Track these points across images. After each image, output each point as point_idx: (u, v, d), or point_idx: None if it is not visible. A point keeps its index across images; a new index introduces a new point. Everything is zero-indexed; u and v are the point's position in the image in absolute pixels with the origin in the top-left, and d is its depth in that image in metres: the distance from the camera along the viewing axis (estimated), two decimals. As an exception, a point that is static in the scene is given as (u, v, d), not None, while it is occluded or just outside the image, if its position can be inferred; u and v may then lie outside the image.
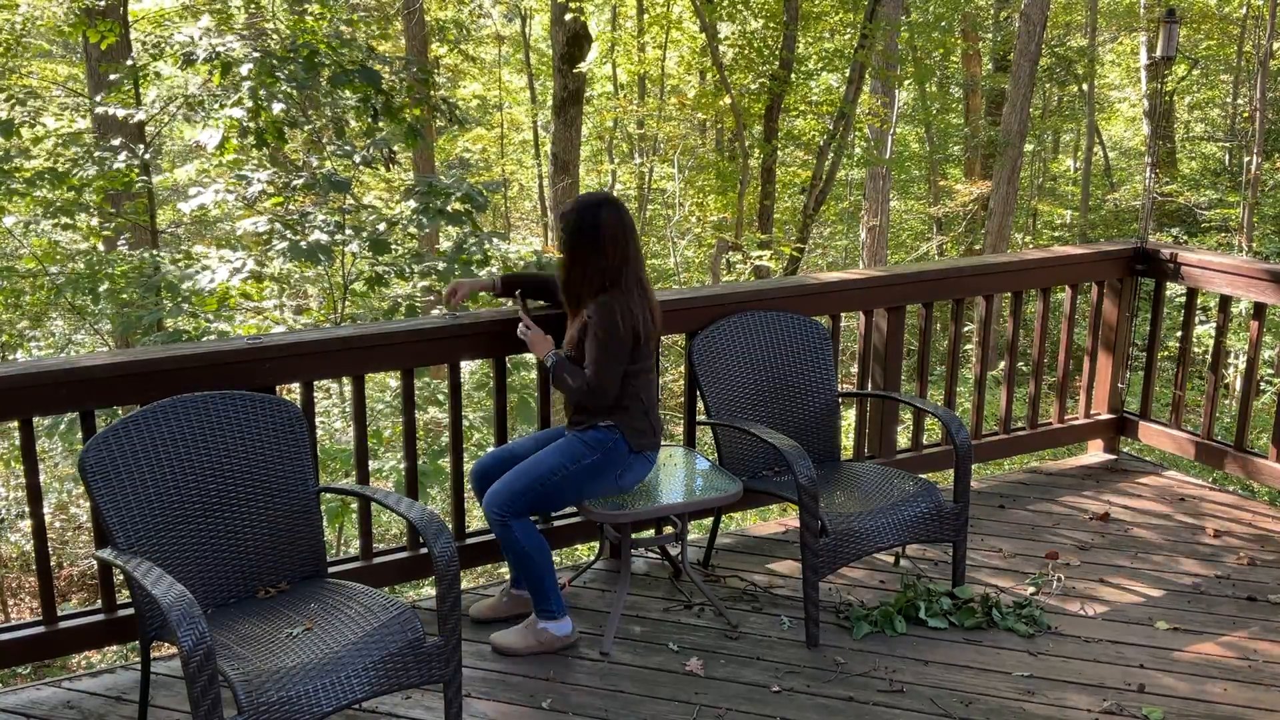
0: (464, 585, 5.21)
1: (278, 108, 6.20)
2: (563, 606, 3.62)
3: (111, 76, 7.63)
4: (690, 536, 4.34)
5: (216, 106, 6.45)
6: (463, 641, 3.62)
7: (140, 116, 7.53)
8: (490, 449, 3.95)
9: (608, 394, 3.52)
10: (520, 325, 3.72)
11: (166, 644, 3.06)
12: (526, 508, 3.53)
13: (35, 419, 3.43)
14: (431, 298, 7.10)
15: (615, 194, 16.70)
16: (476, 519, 7.57)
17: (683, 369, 6.44)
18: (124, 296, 6.91)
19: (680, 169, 15.74)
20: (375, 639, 2.86)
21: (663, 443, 4.26)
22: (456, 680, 3.00)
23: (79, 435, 3.53)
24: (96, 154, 7.10)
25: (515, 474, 3.54)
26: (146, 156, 7.26)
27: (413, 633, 2.90)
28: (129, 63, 7.63)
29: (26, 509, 5.69)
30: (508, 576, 4.00)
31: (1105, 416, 5.35)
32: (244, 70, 6.20)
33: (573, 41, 11.93)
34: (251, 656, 2.78)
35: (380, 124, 6.54)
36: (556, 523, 4.20)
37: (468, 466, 6.63)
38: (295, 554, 3.24)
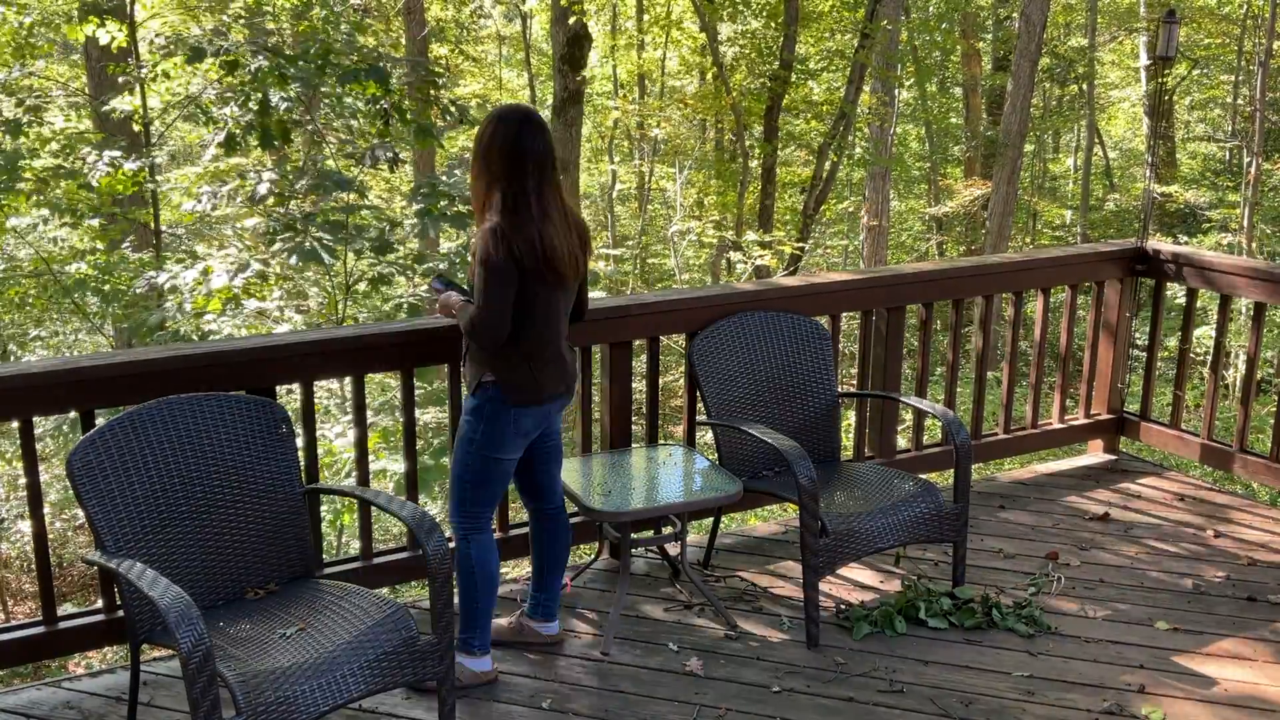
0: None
1: (284, 107, 6.20)
2: (487, 644, 3.40)
3: (120, 79, 7.64)
4: (690, 537, 4.34)
5: (226, 109, 6.46)
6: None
7: (148, 119, 7.55)
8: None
9: (494, 329, 3.13)
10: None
11: (160, 646, 3.06)
12: (477, 513, 3.34)
13: (35, 419, 3.43)
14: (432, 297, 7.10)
15: (612, 192, 16.72)
16: (477, 519, 7.31)
17: (683, 369, 6.44)
18: (127, 297, 6.92)
19: (680, 169, 15.75)
20: (369, 638, 2.86)
21: (662, 441, 4.27)
22: (450, 678, 3.01)
23: (80, 435, 3.53)
24: (105, 154, 7.10)
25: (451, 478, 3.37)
26: (153, 160, 7.27)
27: (406, 631, 2.91)
28: (132, 62, 7.63)
29: (26, 509, 5.70)
30: (509, 575, 3.99)
31: (1105, 416, 5.34)
32: (251, 69, 6.20)
33: (573, 42, 11.93)
34: (246, 657, 2.78)
35: (390, 124, 6.54)
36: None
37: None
38: (283, 555, 3.24)
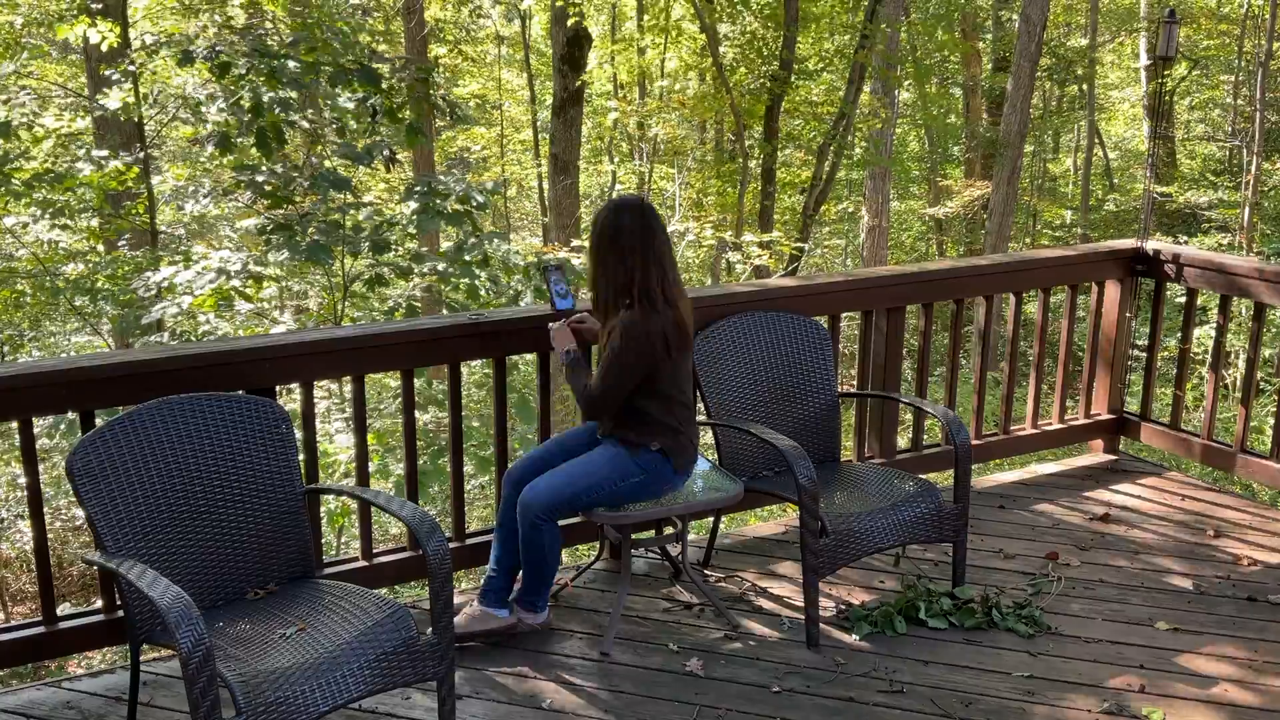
0: (465, 585, 5.21)
1: (277, 109, 6.19)
2: (546, 603, 3.71)
3: (112, 76, 7.62)
4: (690, 537, 4.34)
5: (215, 110, 6.45)
6: (465, 641, 3.63)
7: (140, 117, 7.54)
8: (519, 454, 3.96)
9: (603, 411, 3.55)
10: (553, 322, 3.72)
11: (160, 646, 3.06)
12: (567, 513, 3.56)
13: (35, 419, 3.42)
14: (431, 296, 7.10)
15: (611, 192, 16.71)
16: (476, 519, 7.57)
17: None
18: (123, 298, 6.92)
19: (680, 169, 15.75)
20: (369, 638, 2.86)
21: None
22: (450, 678, 3.00)
23: (80, 435, 3.53)
24: (95, 154, 7.10)
25: (562, 480, 3.51)
26: (147, 158, 7.26)
27: (406, 631, 2.90)
28: (127, 62, 7.62)
29: (26, 510, 5.69)
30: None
31: (1105, 417, 5.34)
32: (242, 69, 6.19)
33: (573, 42, 11.93)
34: (246, 657, 2.78)
35: (380, 124, 6.54)
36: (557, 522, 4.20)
37: (468, 468, 6.62)
38: (283, 555, 3.24)
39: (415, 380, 4.01)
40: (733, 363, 4.11)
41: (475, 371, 9.30)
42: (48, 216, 7.41)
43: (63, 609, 3.49)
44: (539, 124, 17.45)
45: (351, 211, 6.41)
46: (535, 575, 3.61)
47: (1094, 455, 5.43)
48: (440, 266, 6.39)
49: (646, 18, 15.34)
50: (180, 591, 2.60)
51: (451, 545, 3.95)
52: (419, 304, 6.99)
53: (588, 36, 12.31)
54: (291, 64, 6.17)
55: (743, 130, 13.04)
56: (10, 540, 9.96)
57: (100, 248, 8.66)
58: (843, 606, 3.90)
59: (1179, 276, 5.01)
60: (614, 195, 16.70)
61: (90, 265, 7.72)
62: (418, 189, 6.44)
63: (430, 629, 2.96)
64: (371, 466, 5.76)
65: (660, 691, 3.40)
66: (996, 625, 3.79)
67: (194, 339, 6.47)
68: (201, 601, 3.08)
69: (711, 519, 4.31)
